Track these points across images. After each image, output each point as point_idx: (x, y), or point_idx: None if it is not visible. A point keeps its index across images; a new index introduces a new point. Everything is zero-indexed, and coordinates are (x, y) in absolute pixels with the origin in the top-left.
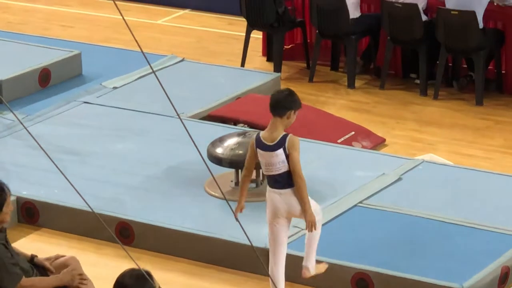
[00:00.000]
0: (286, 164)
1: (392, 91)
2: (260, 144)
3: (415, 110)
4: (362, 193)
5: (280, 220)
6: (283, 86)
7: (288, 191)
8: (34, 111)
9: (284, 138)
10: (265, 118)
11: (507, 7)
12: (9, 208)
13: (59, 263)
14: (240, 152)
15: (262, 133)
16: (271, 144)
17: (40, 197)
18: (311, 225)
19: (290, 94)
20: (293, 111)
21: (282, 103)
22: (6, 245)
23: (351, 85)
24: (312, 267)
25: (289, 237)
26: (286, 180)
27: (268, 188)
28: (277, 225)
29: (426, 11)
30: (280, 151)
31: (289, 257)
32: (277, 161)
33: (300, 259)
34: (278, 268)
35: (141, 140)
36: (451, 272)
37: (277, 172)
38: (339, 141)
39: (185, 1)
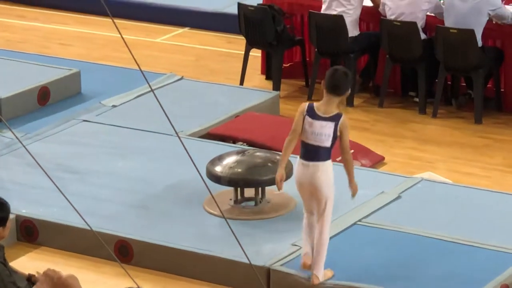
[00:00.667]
0: (331, 140)
1: (391, 109)
2: (312, 113)
3: (414, 128)
4: (361, 212)
5: (306, 190)
6: (282, 104)
7: (317, 164)
8: (33, 130)
9: (338, 116)
10: (264, 136)
11: (505, 25)
12: (9, 224)
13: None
14: (239, 170)
15: (315, 104)
16: (324, 116)
17: (39, 215)
18: (355, 193)
19: (347, 74)
20: (349, 90)
21: (343, 85)
22: (4, 263)
23: (350, 103)
24: (321, 275)
25: (286, 256)
26: (322, 154)
27: (298, 160)
28: (304, 194)
29: (425, 29)
30: (332, 124)
31: (289, 276)
32: (326, 133)
33: (300, 277)
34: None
35: (140, 158)
36: None
37: (319, 144)
38: (338, 159)
39: (184, 19)
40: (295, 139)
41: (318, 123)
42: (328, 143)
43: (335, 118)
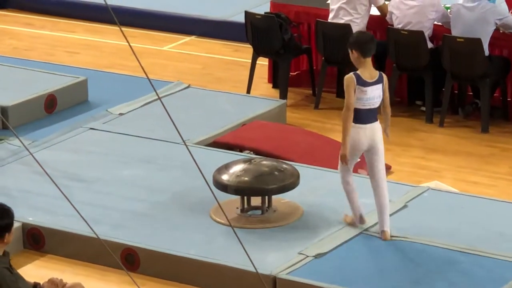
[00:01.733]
0: (381, 99)
1: (398, 118)
2: (362, 81)
3: (421, 137)
4: (367, 221)
5: (356, 156)
6: (289, 113)
7: (373, 124)
8: (40, 137)
9: (381, 76)
10: (271, 144)
11: None
12: (13, 230)
13: None
14: (246, 178)
15: (359, 72)
16: (372, 80)
17: (45, 223)
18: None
19: (372, 36)
20: None
21: (374, 43)
22: (10, 269)
23: None
24: (388, 228)
25: (292, 265)
26: (375, 114)
27: (353, 125)
28: (356, 156)
29: (432, 38)
30: (380, 86)
31: (295, 284)
32: (377, 95)
33: (306, 285)
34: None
35: (146, 166)
36: None
37: (373, 106)
38: None
39: (191, 27)
40: (352, 114)
41: (370, 89)
42: (379, 103)
43: (381, 79)
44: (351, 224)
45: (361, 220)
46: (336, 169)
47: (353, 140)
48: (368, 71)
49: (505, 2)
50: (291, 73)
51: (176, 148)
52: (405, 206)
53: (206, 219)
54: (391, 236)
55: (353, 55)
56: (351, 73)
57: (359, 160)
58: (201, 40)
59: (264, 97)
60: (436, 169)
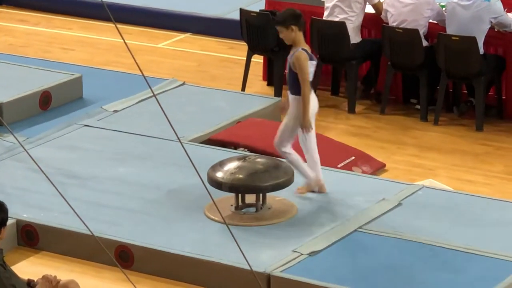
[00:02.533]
0: None
1: (393, 116)
2: (310, 56)
3: (416, 136)
4: (361, 219)
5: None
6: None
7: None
8: (35, 134)
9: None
10: (266, 142)
11: (507, 33)
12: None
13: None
14: (240, 176)
15: (305, 48)
16: (310, 51)
17: (40, 220)
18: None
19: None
20: None
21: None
22: (4, 265)
23: (351, 110)
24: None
25: (287, 263)
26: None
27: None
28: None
29: (427, 37)
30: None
31: (289, 282)
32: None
33: (300, 283)
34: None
35: (141, 163)
36: None
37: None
38: (339, 166)
39: (186, 24)
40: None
41: (315, 61)
42: None
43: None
44: (309, 191)
45: (321, 187)
46: (332, 166)
47: (314, 108)
48: (306, 44)
49: (500, 1)
50: (285, 71)
51: (171, 145)
52: (399, 204)
53: (201, 217)
54: (386, 233)
55: (291, 32)
56: (301, 51)
57: (353, 158)
58: (196, 37)
59: (259, 95)
60: (431, 167)
